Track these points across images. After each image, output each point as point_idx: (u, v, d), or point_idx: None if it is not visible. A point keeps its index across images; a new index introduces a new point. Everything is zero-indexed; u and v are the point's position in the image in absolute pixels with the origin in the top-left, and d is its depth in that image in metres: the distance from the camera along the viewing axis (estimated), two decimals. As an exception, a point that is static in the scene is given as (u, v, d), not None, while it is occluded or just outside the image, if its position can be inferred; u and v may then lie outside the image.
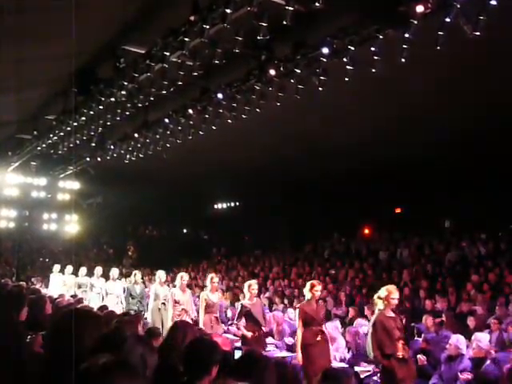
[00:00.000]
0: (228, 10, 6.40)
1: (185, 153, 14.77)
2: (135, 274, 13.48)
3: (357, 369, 8.52)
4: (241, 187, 22.96)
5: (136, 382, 2.22)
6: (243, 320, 9.37)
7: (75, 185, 18.24)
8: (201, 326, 9.94)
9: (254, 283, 9.73)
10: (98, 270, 15.31)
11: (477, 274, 13.02)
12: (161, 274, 12.70)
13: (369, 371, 8.45)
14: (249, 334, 9.14)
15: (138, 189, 20.94)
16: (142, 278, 20.20)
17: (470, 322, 9.93)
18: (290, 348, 10.00)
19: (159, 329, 6.76)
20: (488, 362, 7.50)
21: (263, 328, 9.46)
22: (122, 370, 2.18)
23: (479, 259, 14.50)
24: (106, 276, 14.93)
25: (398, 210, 21.12)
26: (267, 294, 15.90)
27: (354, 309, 12.03)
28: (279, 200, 22.02)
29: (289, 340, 10.41)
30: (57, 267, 16.40)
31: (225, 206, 28.40)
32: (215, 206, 28.61)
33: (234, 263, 22.34)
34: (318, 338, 8.34)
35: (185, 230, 31.57)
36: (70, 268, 15.75)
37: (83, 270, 15.47)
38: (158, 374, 3.61)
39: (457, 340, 7.82)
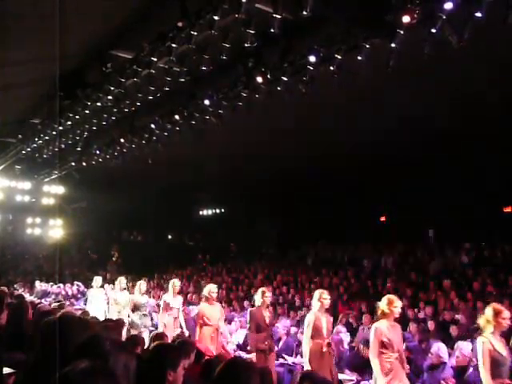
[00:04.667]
0: (216, 17, 6.41)
1: (171, 158, 14.76)
2: (264, 293, 8.74)
3: (340, 377, 8.51)
4: (226, 194, 22.98)
5: None
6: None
7: (60, 189, 18.12)
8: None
9: None
10: (175, 283, 11.10)
11: (460, 283, 13.11)
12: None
13: (352, 380, 8.45)
14: None
15: (123, 194, 20.86)
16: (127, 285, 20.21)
17: (453, 330, 9.99)
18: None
19: (141, 336, 6.66)
20: (471, 370, 7.55)
21: None
22: (101, 375, 2.18)
23: (462, 268, 14.60)
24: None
25: (382, 219, 21.25)
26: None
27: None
28: (265, 207, 22.05)
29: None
30: (98, 280, 13.36)
31: (210, 212, 28.39)
32: (200, 212, 28.57)
33: (219, 270, 22.29)
34: None
35: (170, 236, 31.48)
36: (122, 281, 12.26)
37: (142, 285, 11.52)
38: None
39: (438, 348, 7.87)
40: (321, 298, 7.83)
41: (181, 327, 10.80)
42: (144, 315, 10.94)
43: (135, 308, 11.00)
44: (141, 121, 11.72)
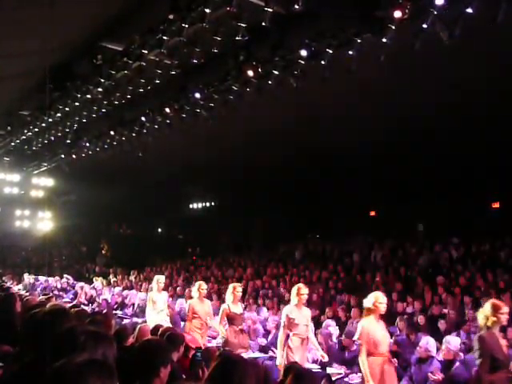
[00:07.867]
0: (207, 10, 6.40)
1: (160, 152, 14.71)
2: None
3: (329, 370, 8.54)
4: (216, 188, 22.97)
5: (111, 383, 2.20)
6: None
7: (49, 181, 18.05)
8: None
9: None
10: (302, 290, 7.75)
11: (448, 278, 13.18)
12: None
13: (340, 374, 8.48)
14: None
15: (112, 187, 20.77)
16: (116, 277, 20.16)
17: (441, 324, 10.05)
18: (263, 349, 9.94)
19: (128, 329, 6.58)
20: (457, 363, 7.60)
21: None
22: (97, 370, 2.16)
23: (451, 263, 14.67)
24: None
25: (372, 213, 21.31)
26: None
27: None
28: (254, 201, 22.04)
29: (261, 340, 10.29)
30: (161, 280, 9.97)
31: (200, 206, 28.34)
32: (190, 206, 28.53)
33: (208, 263, 22.28)
34: None
35: (159, 230, 31.43)
36: (203, 286, 9.36)
37: (238, 290, 8.79)
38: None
39: (427, 342, 7.91)
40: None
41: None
42: (241, 330, 8.39)
43: (229, 321, 8.55)
44: (131, 113, 11.68)
